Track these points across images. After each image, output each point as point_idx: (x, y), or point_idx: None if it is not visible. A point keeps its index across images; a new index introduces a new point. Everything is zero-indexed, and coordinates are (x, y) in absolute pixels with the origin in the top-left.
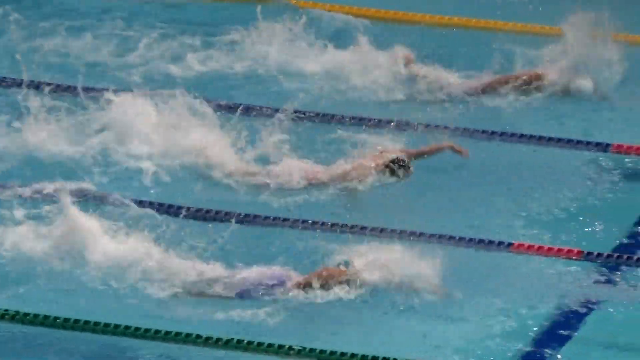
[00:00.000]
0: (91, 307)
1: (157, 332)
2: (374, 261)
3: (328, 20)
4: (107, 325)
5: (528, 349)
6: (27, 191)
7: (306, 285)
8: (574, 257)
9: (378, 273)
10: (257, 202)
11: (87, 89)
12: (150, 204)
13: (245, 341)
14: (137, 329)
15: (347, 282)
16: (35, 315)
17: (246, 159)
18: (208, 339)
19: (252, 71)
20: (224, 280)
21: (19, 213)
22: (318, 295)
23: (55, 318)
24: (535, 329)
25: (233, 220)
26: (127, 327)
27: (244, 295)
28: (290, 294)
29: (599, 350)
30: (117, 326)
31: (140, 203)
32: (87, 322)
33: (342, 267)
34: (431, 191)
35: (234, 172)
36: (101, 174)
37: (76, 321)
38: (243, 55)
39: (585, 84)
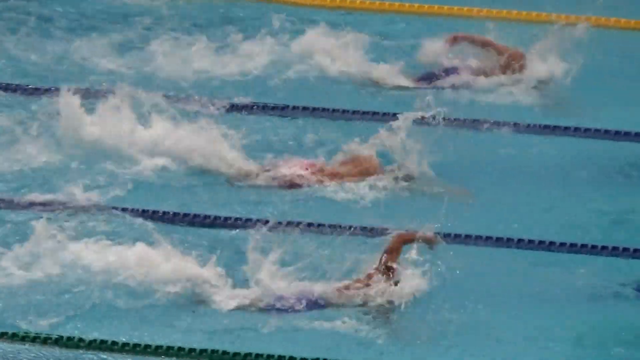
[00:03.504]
0: (112, 326)
1: (192, 350)
2: None
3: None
4: (137, 345)
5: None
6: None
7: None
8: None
9: None
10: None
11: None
12: (163, 214)
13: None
14: (169, 347)
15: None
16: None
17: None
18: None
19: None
20: (260, 291)
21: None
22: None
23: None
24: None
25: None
26: (158, 347)
27: (283, 308)
28: (330, 305)
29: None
30: (147, 346)
31: (144, 213)
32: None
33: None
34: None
35: (238, 175)
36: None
37: (102, 342)
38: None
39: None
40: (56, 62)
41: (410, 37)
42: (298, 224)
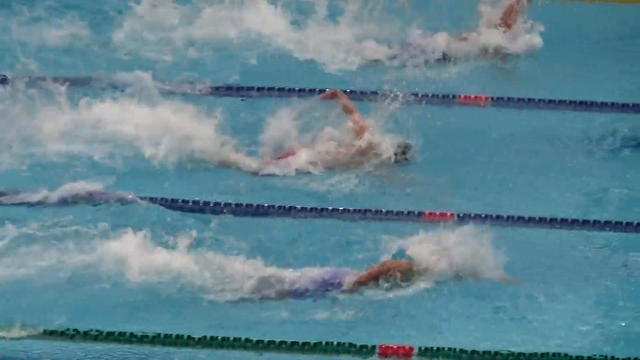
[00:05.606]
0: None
1: (213, 338)
2: (434, 249)
3: None
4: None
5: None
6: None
7: (368, 282)
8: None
9: (441, 261)
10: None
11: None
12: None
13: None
14: (189, 337)
15: (411, 274)
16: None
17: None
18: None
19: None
20: (277, 280)
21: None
22: (380, 291)
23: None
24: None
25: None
26: (178, 336)
27: (300, 295)
28: (350, 292)
29: None
30: (168, 335)
31: (166, 202)
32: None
33: (405, 260)
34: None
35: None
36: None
37: (133, 334)
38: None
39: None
40: None
41: None
42: (311, 209)
